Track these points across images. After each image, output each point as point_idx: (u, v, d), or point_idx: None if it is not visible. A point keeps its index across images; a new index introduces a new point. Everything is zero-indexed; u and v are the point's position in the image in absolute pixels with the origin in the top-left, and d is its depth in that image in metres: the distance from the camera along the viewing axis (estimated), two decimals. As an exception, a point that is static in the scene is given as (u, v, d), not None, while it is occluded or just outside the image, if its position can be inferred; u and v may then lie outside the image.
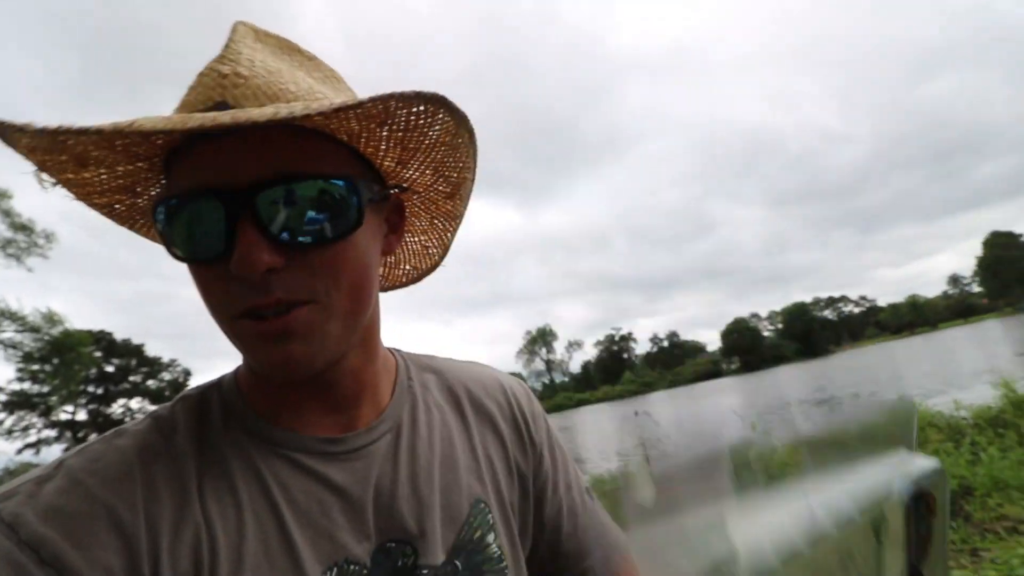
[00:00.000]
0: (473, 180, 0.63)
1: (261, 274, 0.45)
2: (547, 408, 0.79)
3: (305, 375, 0.50)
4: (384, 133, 0.52)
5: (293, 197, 0.46)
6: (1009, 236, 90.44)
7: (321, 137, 0.49)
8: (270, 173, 0.46)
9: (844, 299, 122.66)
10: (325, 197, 0.48)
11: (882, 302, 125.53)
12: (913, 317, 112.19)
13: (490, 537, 0.62)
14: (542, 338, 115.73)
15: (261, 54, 0.52)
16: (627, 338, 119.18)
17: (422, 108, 0.50)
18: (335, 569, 0.52)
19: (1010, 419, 5.26)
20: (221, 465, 0.52)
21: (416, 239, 0.71)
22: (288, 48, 0.57)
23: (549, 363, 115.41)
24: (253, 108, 0.46)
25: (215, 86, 0.48)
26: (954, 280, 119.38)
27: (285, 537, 0.51)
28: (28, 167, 0.46)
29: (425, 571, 0.56)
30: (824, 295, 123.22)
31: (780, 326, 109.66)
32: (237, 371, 0.60)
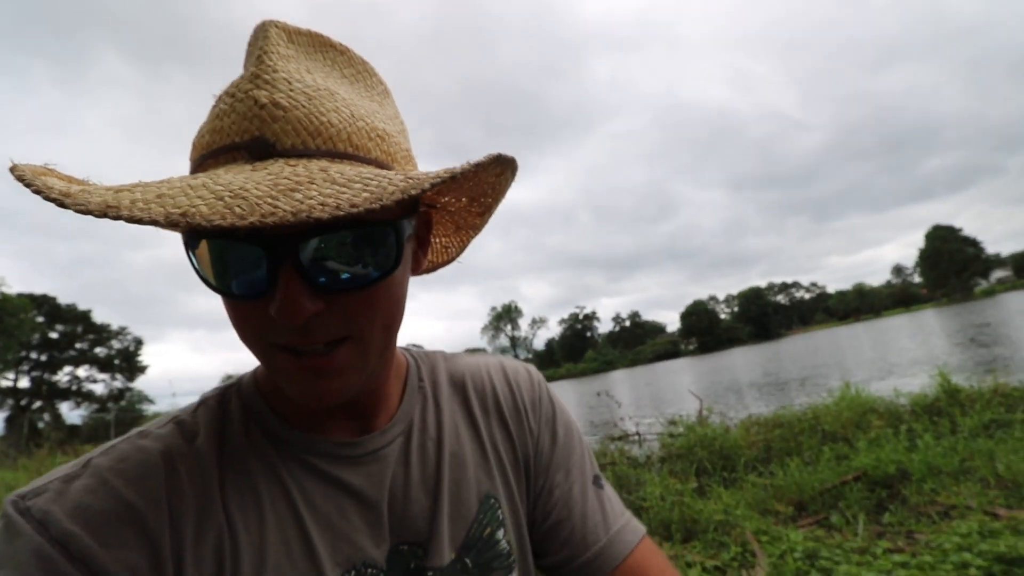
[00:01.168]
0: (502, 199, 0.63)
1: (301, 321, 0.45)
2: None
3: (339, 405, 0.52)
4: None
5: (335, 245, 0.45)
6: (949, 230, 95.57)
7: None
8: (316, 221, 0.43)
9: (796, 285, 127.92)
10: (367, 241, 0.47)
11: (831, 289, 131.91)
12: (859, 304, 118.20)
13: (499, 533, 0.63)
14: (507, 315, 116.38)
15: (295, 63, 0.49)
16: (591, 317, 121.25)
17: (494, 167, 0.51)
18: (353, 572, 0.54)
19: (944, 407, 5.66)
20: (243, 468, 0.53)
21: (438, 240, 0.70)
22: (321, 44, 0.54)
23: (514, 340, 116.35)
24: (313, 191, 0.39)
25: (252, 117, 0.45)
26: (898, 270, 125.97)
27: (305, 540, 0.52)
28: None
29: (430, 573, 0.57)
30: (778, 280, 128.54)
31: (736, 309, 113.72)
32: (256, 371, 0.60)
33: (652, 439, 7.94)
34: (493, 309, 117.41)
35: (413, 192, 0.40)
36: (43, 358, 45.60)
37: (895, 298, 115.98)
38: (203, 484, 0.50)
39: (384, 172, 0.44)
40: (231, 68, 0.52)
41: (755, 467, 5.13)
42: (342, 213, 0.37)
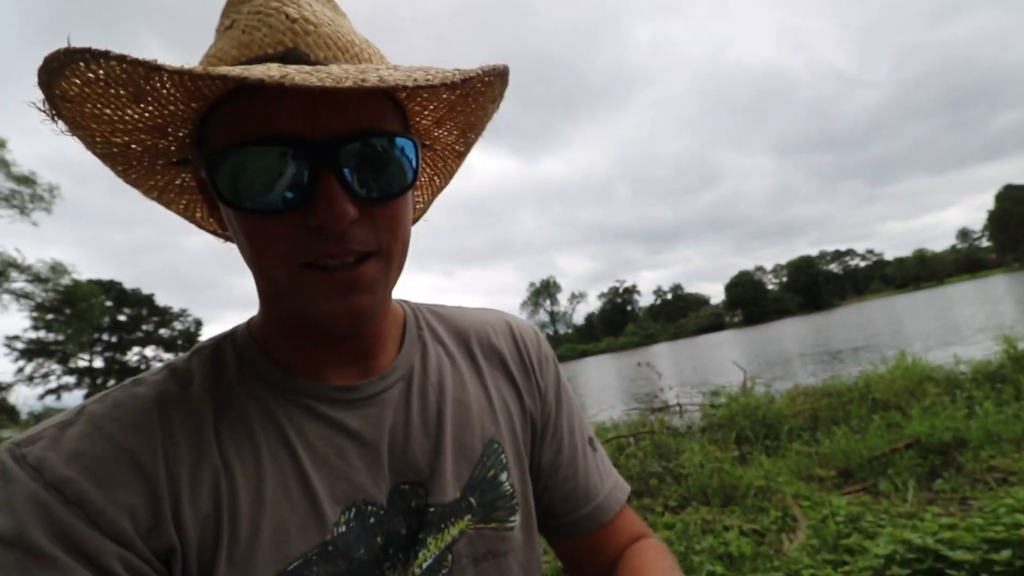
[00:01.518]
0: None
1: (345, 226, 0.46)
2: None
3: (365, 325, 0.53)
4: (446, 95, 0.54)
5: (370, 153, 0.48)
6: (1022, 190, 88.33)
7: (383, 93, 0.50)
8: (351, 127, 0.46)
9: (851, 252, 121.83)
10: (393, 154, 0.49)
11: (889, 256, 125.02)
12: (919, 271, 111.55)
13: (503, 476, 0.64)
14: (546, 290, 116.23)
15: None
16: (631, 290, 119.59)
17: (491, 78, 0.51)
18: (353, 510, 0.54)
19: (1009, 374, 5.35)
20: (238, 412, 0.53)
21: (423, 175, 0.70)
22: None
23: (553, 315, 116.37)
24: (336, 67, 0.44)
25: (285, 30, 0.47)
26: (963, 234, 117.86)
27: (303, 479, 0.52)
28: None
29: (432, 508, 0.58)
30: (831, 248, 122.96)
31: (785, 279, 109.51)
32: (251, 322, 0.61)
33: (693, 410, 7.86)
34: (532, 285, 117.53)
35: (471, 75, 0.45)
36: (113, 339, 49.08)
37: (960, 264, 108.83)
38: (198, 427, 0.50)
39: (423, 67, 0.46)
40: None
41: (799, 435, 5.01)
42: (436, 83, 0.42)
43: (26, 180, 20.12)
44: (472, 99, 0.56)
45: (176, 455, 0.49)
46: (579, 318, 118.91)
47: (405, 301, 0.71)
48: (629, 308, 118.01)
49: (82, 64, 0.40)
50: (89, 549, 0.43)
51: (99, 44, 0.38)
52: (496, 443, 0.65)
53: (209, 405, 0.52)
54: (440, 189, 0.71)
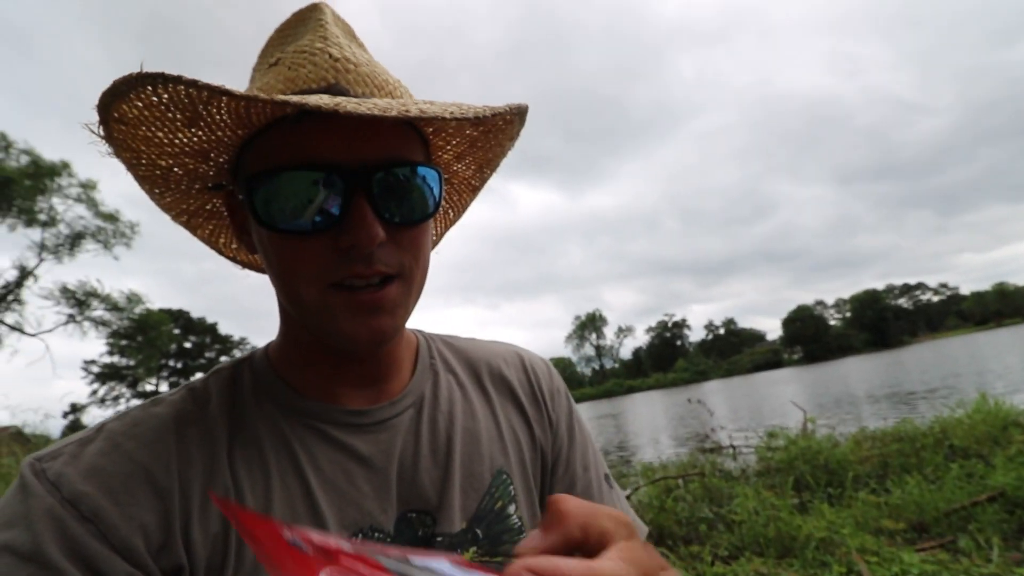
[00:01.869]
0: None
1: (374, 247, 0.49)
2: (596, 394, 0.78)
3: (385, 346, 0.55)
4: (468, 131, 0.59)
5: (398, 180, 0.51)
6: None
7: (411, 127, 0.55)
8: (381, 156, 0.50)
9: (922, 287, 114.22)
10: (420, 182, 0.53)
11: (965, 290, 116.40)
12: (1001, 307, 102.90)
13: (511, 508, 0.63)
14: (591, 323, 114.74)
15: (344, 39, 0.57)
16: (680, 324, 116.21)
17: (511, 116, 0.55)
18: (360, 535, 0.54)
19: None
20: (251, 433, 0.54)
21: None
22: (350, 33, 0.61)
23: (599, 349, 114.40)
24: (379, 100, 0.49)
25: (328, 68, 0.52)
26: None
27: (311, 502, 0.53)
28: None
29: (440, 538, 0.58)
30: (899, 282, 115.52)
31: (848, 315, 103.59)
32: (268, 347, 0.63)
33: (748, 452, 7.42)
34: (577, 318, 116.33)
35: (499, 111, 0.50)
36: (179, 365, 52.03)
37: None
38: (211, 448, 0.52)
39: (460, 103, 0.50)
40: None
41: (867, 483, 4.62)
42: (469, 116, 0.47)
43: (111, 218, 22.04)
44: (492, 136, 0.60)
45: (189, 474, 0.50)
46: (626, 352, 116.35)
47: (419, 330, 0.72)
48: (679, 343, 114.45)
49: (150, 87, 0.42)
50: (100, 566, 0.44)
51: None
52: (505, 474, 0.64)
53: (224, 425, 0.54)
54: (453, 222, 0.74)
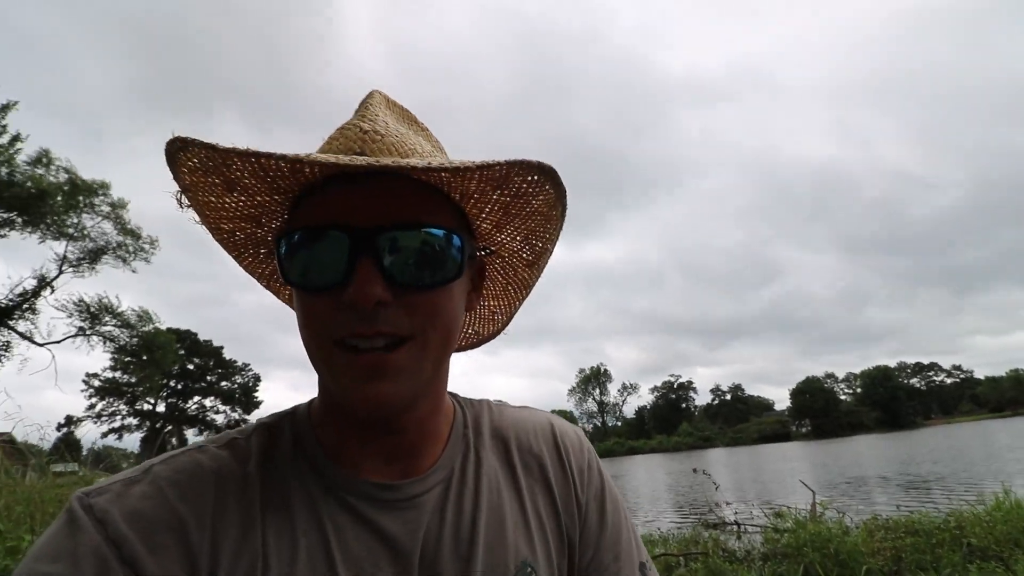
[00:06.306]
0: (552, 252, 0.68)
1: (372, 306, 0.50)
2: (598, 452, 0.74)
3: (390, 414, 0.55)
4: (495, 196, 0.58)
5: (408, 242, 0.52)
6: None
7: (437, 193, 0.56)
8: (392, 218, 0.52)
9: (935, 367, 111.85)
10: (435, 246, 0.54)
11: (980, 373, 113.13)
12: (1016, 394, 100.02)
13: None
14: (596, 378, 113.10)
15: (391, 118, 0.60)
16: (686, 386, 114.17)
17: (535, 177, 0.56)
18: None
19: None
20: (284, 500, 0.55)
21: (486, 303, 0.74)
22: (408, 118, 0.65)
23: (602, 405, 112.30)
24: (394, 159, 0.52)
25: (356, 139, 0.55)
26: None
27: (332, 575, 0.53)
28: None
29: None
30: (911, 360, 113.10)
31: (859, 390, 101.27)
32: (312, 403, 0.63)
33: (754, 532, 7.11)
34: (581, 371, 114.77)
35: (501, 161, 0.51)
36: (179, 386, 51.67)
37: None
38: (246, 509, 0.53)
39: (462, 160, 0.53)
40: (326, 125, 0.68)
41: (879, 580, 4.37)
42: (421, 166, 0.48)
43: (133, 234, 22.60)
44: (523, 201, 0.59)
45: (222, 533, 0.51)
46: (629, 410, 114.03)
47: (456, 396, 0.71)
48: (684, 405, 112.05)
49: (181, 154, 0.46)
50: None
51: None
52: (530, 567, 0.62)
53: (260, 488, 0.55)
54: (517, 299, 0.74)
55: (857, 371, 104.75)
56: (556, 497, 0.67)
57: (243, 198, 0.55)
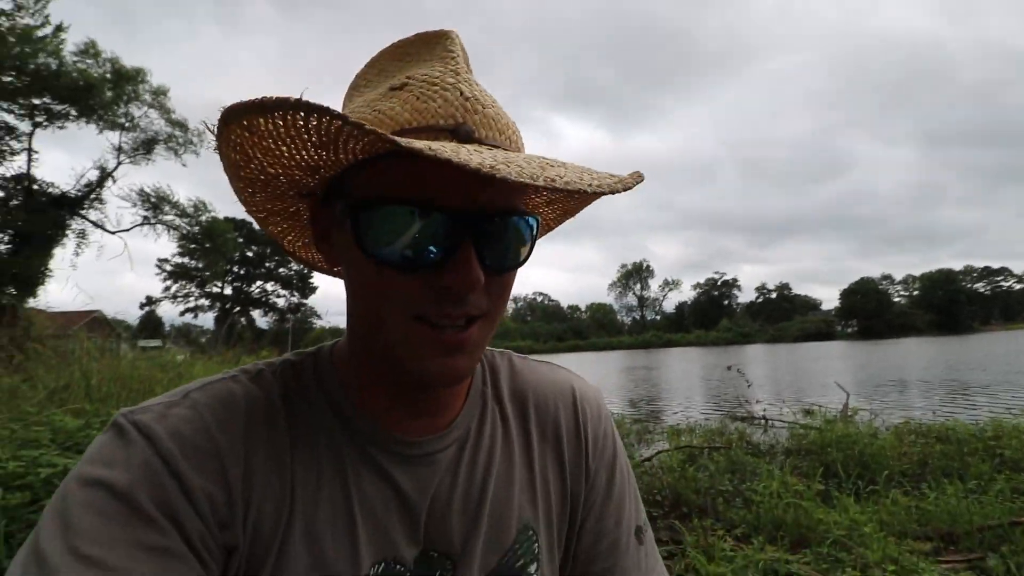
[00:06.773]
0: None
1: (468, 292, 0.50)
2: (634, 343, 0.75)
3: (457, 383, 0.56)
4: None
5: (505, 229, 0.53)
6: None
7: None
8: (496, 204, 0.51)
9: (1005, 272, 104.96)
10: (523, 232, 0.55)
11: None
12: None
13: (532, 567, 0.63)
14: (637, 273, 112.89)
15: (471, 75, 0.56)
16: (731, 284, 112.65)
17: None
18: (383, 564, 0.56)
19: None
20: (311, 441, 0.57)
21: None
22: (469, 66, 0.59)
23: (642, 299, 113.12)
24: (521, 166, 0.44)
25: (458, 106, 0.51)
26: None
27: (351, 522, 0.56)
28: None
29: None
30: (979, 264, 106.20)
31: (916, 293, 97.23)
32: (334, 351, 0.63)
33: (781, 427, 7.32)
34: (623, 266, 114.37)
35: (631, 185, 0.48)
36: (242, 272, 55.46)
37: None
38: (276, 450, 0.54)
39: (588, 168, 0.51)
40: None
41: (900, 483, 4.49)
42: (604, 191, 0.45)
43: (181, 125, 22.87)
44: (587, 199, 0.63)
45: (255, 467, 0.53)
46: (669, 306, 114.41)
47: None
48: (726, 303, 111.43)
49: (302, 113, 0.41)
50: (181, 519, 0.47)
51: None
52: (531, 530, 0.64)
53: (287, 427, 0.57)
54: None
55: (918, 273, 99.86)
56: (566, 461, 0.69)
57: (325, 154, 0.48)
